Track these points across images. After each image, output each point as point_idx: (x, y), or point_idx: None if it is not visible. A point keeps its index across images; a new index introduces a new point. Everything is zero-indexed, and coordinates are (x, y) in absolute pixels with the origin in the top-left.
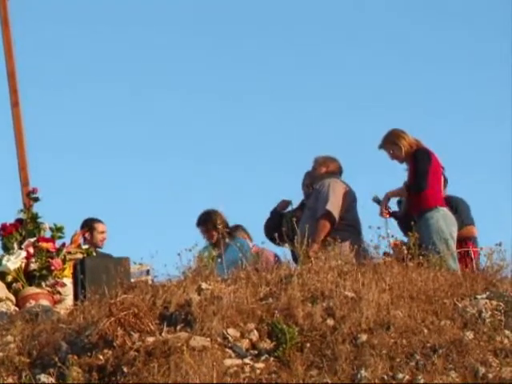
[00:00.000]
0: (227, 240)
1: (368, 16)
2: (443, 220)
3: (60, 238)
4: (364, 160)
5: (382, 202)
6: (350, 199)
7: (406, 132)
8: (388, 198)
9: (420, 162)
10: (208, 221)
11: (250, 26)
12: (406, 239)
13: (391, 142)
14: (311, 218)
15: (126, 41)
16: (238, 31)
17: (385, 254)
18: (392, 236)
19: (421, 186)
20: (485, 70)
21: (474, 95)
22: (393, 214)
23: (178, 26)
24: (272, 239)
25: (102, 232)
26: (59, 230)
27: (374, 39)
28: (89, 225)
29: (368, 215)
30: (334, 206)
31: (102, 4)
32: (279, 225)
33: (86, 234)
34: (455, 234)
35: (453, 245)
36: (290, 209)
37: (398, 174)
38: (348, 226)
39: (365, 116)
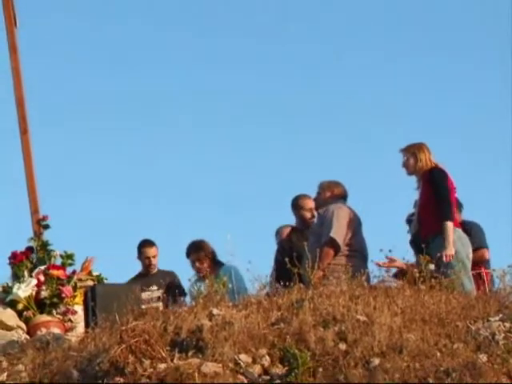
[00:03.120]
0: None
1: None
2: (459, 241)
3: (70, 265)
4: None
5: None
6: (354, 224)
7: (430, 152)
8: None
9: (440, 187)
10: (198, 250)
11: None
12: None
13: (411, 151)
14: (316, 243)
15: (135, 66)
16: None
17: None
18: (403, 258)
19: (447, 216)
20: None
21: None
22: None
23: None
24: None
25: (147, 257)
26: (69, 257)
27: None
28: (138, 249)
29: (376, 239)
30: (338, 232)
31: (109, 30)
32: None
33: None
34: (471, 256)
35: (469, 266)
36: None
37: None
38: (353, 251)
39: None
